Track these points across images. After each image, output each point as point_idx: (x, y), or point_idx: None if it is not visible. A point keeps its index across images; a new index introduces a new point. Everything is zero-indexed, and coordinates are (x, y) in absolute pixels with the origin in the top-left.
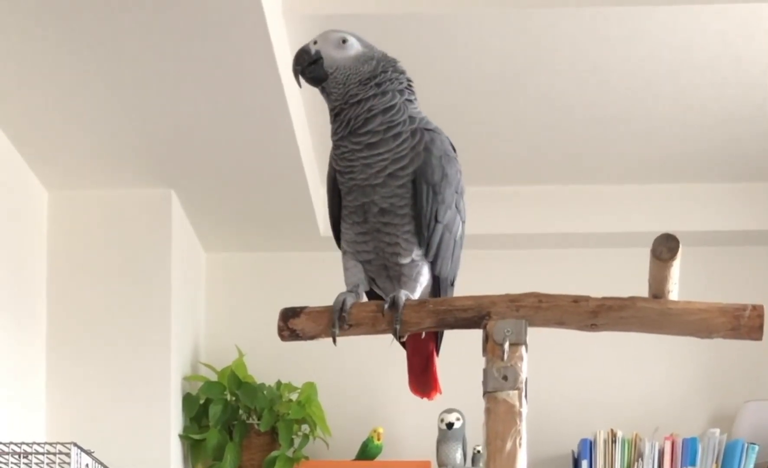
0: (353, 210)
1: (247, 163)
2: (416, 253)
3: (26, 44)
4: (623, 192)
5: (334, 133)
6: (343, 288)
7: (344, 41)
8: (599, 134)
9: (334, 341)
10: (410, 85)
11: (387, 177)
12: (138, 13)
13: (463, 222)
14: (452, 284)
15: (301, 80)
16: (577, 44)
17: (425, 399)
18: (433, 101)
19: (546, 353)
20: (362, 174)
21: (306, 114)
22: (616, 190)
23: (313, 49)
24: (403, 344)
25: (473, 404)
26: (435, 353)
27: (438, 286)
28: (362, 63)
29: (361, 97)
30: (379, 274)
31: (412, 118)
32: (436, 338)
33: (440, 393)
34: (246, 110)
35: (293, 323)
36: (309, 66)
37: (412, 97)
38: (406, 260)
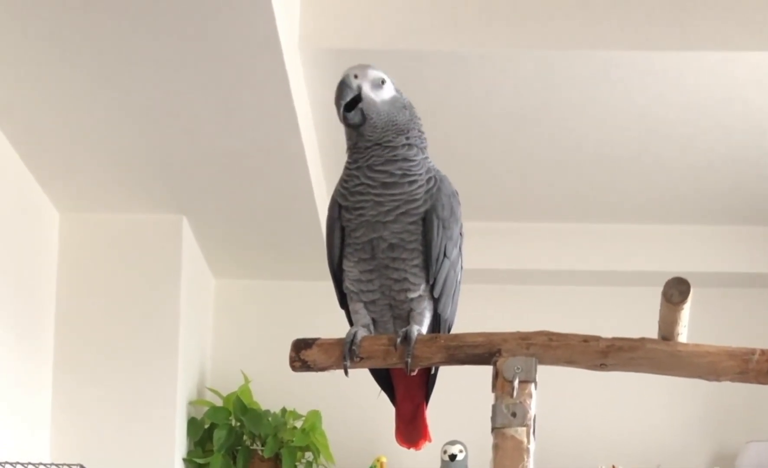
0: (360, 247)
1: (258, 192)
2: (423, 289)
3: (40, 67)
4: (633, 231)
5: (354, 162)
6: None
7: (383, 82)
8: (610, 174)
9: (346, 373)
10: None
11: (399, 214)
12: (154, 40)
13: (462, 268)
14: (449, 330)
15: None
16: (588, 86)
17: (413, 449)
18: (448, 137)
19: (548, 389)
20: (372, 210)
21: (318, 144)
22: (626, 229)
23: (354, 84)
24: (391, 396)
25: (476, 436)
26: (425, 401)
27: (438, 328)
28: (398, 110)
29: (394, 145)
30: (382, 315)
31: (428, 170)
32: (427, 385)
33: (430, 441)
34: (259, 139)
35: (305, 354)
36: (349, 107)
37: (428, 154)
38: (415, 294)
